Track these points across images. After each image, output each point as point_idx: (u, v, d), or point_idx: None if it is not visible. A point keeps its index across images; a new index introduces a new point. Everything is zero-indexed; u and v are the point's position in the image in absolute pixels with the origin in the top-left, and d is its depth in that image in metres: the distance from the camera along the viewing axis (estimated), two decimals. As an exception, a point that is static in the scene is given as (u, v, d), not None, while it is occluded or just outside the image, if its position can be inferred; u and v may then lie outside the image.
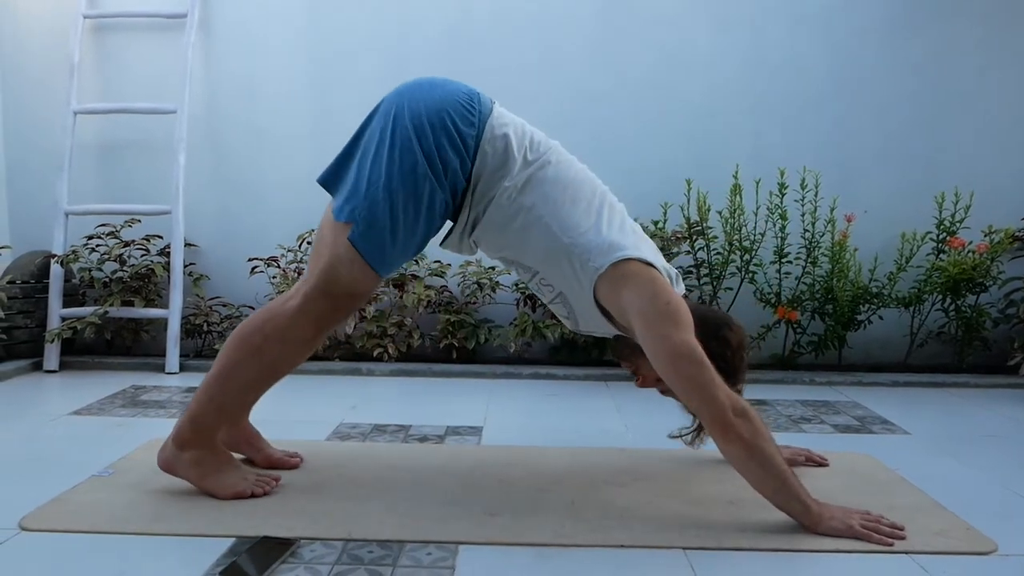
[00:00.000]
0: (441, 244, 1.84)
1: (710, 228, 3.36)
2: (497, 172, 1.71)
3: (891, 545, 1.56)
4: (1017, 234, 3.40)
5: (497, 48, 3.58)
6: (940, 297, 3.39)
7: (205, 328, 3.49)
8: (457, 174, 1.70)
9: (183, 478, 1.81)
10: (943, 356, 3.52)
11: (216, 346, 3.44)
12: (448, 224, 1.82)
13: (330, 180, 1.80)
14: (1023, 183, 3.55)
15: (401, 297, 3.41)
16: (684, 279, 3.40)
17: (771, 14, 3.56)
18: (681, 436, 1.93)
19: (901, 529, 1.61)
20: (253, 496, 1.78)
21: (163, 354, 3.35)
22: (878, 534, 1.58)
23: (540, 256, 1.75)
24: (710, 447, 2.25)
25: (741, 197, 3.33)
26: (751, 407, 1.63)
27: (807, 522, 1.61)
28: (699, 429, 1.89)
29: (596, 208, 1.75)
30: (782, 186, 3.32)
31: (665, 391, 1.89)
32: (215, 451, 1.83)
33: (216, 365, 1.80)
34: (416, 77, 1.80)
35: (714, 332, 1.75)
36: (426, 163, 1.66)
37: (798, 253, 3.40)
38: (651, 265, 1.70)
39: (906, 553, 1.54)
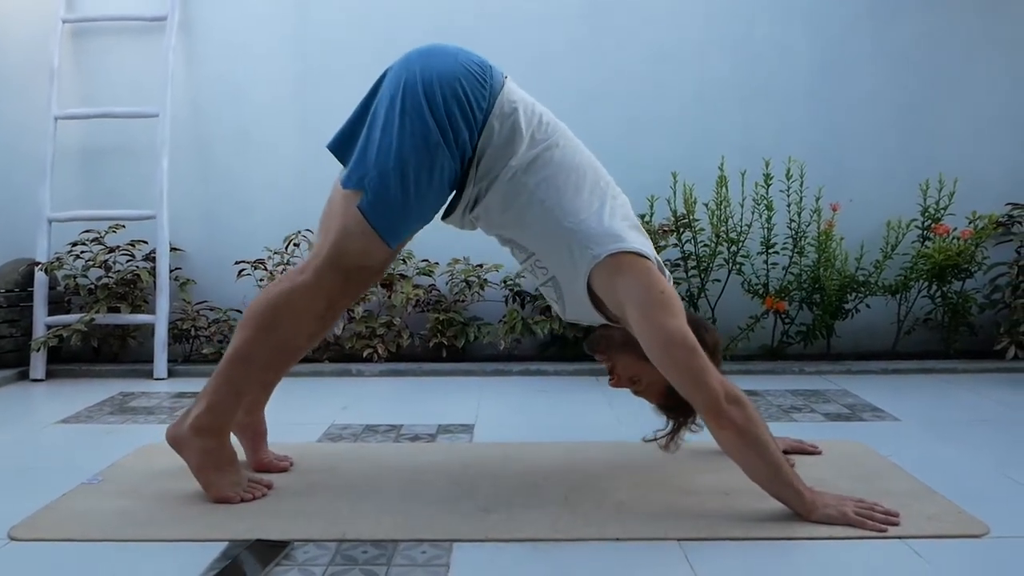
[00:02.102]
0: (443, 219, 1.83)
1: (697, 220, 3.37)
2: (503, 149, 1.70)
3: (885, 531, 1.57)
4: (1001, 220, 3.42)
5: (484, 46, 3.52)
6: (926, 284, 3.41)
7: (192, 333, 3.47)
8: (466, 144, 1.69)
9: (184, 459, 1.80)
10: (931, 342, 3.54)
11: (204, 350, 3.42)
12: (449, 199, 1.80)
13: (341, 147, 1.79)
14: (1007, 169, 3.57)
15: (390, 297, 3.40)
16: (672, 272, 3.44)
17: (759, 6, 3.56)
18: (656, 440, 1.90)
19: (896, 516, 1.61)
20: (242, 501, 1.76)
21: (151, 360, 3.32)
22: (872, 521, 1.59)
23: (538, 238, 1.75)
24: (701, 438, 2.26)
25: (727, 189, 3.34)
26: (745, 395, 1.63)
27: (801, 510, 1.62)
28: (674, 432, 1.87)
29: (599, 196, 1.75)
30: (767, 177, 3.33)
31: (639, 392, 1.89)
32: (224, 446, 1.81)
33: (231, 348, 1.78)
34: (427, 43, 1.77)
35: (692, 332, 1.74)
36: (438, 131, 1.65)
37: (785, 243, 3.41)
38: (646, 258, 1.70)
39: (899, 538, 1.55)
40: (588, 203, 1.72)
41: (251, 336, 1.76)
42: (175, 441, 1.81)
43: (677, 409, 1.82)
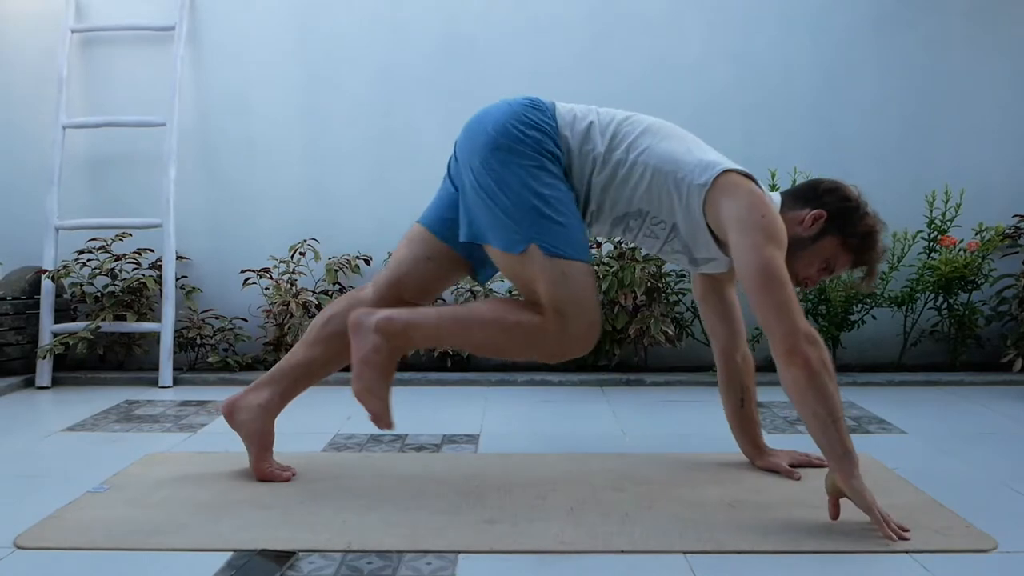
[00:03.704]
0: None
1: (702, 231, 3.36)
2: (583, 147, 1.80)
3: (897, 540, 1.57)
4: (1007, 232, 3.41)
5: (488, 57, 3.59)
6: (932, 296, 3.41)
7: (198, 341, 3.47)
8: (554, 151, 1.78)
9: (362, 351, 1.80)
10: (937, 354, 3.53)
11: (210, 359, 3.43)
12: None
13: (442, 227, 1.90)
14: (1013, 180, 3.56)
15: (395, 306, 3.39)
16: (676, 283, 3.43)
17: (761, 16, 3.57)
18: (858, 284, 1.97)
19: (907, 531, 1.60)
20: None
21: (156, 368, 3.33)
22: (889, 527, 1.59)
23: (647, 195, 1.79)
24: (707, 448, 2.25)
25: (733, 200, 3.33)
26: (822, 342, 1.64)
27: (843, 470, 1.60)
28: (870, 271, 1.92)
29: (690, 139, 1.84)
30: (773, 187, 3.33)
31: (831, 275, 1.92)
32: (393, 361, 1.83)
33: (467, 310, 1.85)
34: (477, 112, 1.88)
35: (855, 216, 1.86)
36: (532, 152, 1.75)
37: (790, 255, 3.39)
38: (750, 178, 1.77)
39: (906, 552, 1.54)
40: (680, 145, 1.81)
41: (488, 328, 1.79)
42: (360, 331, 1.81)
43: (861, 253, 1.87)
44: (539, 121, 1.79)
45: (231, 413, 2.00)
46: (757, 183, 1.78)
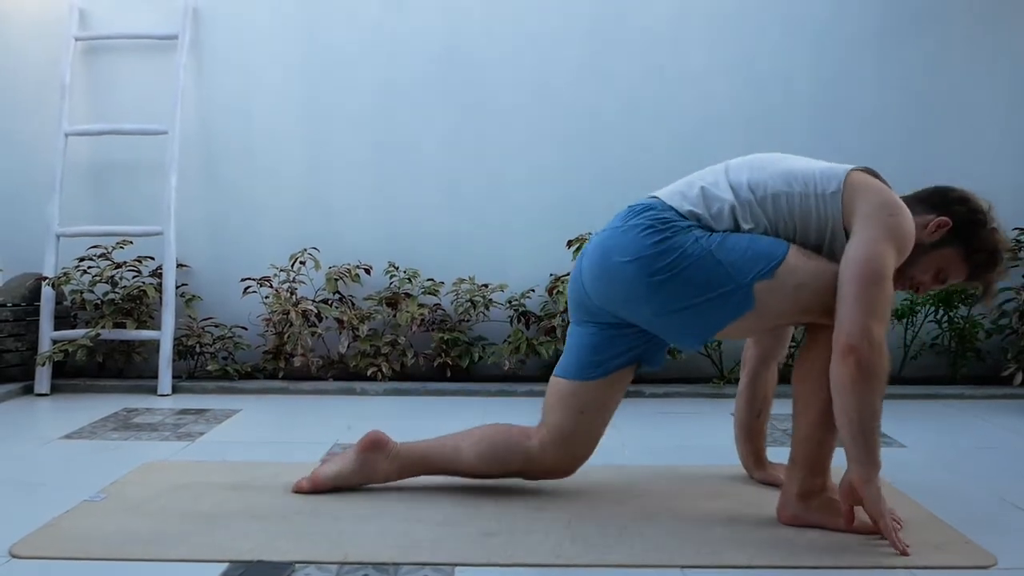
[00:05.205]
0: None
1: (703, 243, 3.37)
2: (711, 209, 1.74)
3: (905, 554, 1.57)
4: (1008, 244, 3.41)
5: (489, 69, 3.60)
6: (933, 309, 3.40)
7: (197, 349, 3.47)
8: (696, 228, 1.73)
9: (817, 525, 1.73)
10: (937, 368, 3.52)
11: (209, 367, 3.43)
12: None
13: (693, 344, 1.82)
14: (1014, 192, 3.56)
15: (394, 316, 3.40)
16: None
17: (762, 28, 3.59)
18: (983, 310, 1.92)
19: (907, 546, 1.60)
20: None
21: (155, 376, 3.33)
22: (895, 540, 1.58)
23: (793, 221, 1.73)
24: (706, 460, 2.25)
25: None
26: (886, 351, 1.60)
27: (860, 474, 1.60)
28: (987, 289, 1.87)
29: (790, 158, 1.79)
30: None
31: (945, 282, 1.87)
32: (831, 490, 1.77)
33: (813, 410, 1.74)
34: (591, 248, 1.85)
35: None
36: (677, 234, 1.70)
37: (791, 267, 3.40)
38: (875, 174, 1.75)
39: (905, 568, 1.54)
40: (787, 163, 1.76)
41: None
42: (796, 520, 1.75)
43: (981, 270, 1.82)
44: (656, 217, 1.73)
45: (374, 446, 1.97)
46: (882, 179, 1.76)
